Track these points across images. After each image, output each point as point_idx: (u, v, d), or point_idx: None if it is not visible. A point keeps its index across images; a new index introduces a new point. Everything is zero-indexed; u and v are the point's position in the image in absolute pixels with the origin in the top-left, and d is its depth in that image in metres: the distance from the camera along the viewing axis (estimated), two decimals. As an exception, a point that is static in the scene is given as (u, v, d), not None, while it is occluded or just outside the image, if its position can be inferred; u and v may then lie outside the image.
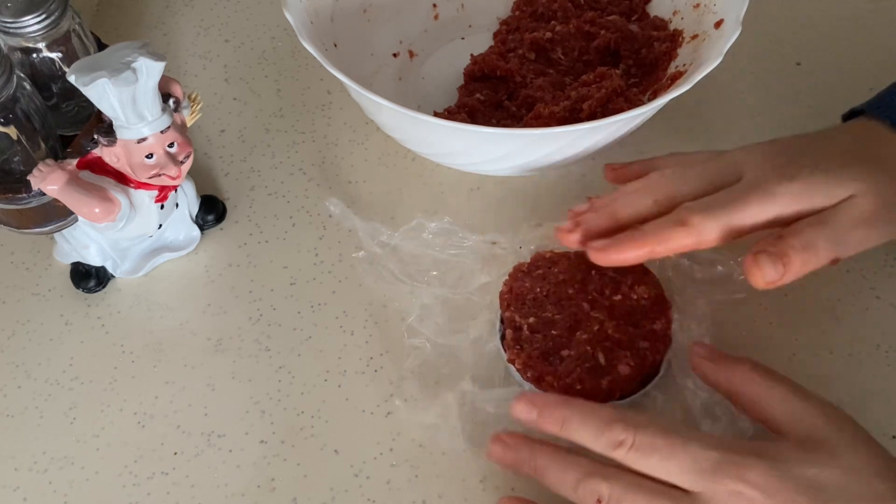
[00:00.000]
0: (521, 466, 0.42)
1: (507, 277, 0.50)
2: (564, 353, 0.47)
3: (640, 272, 0.49)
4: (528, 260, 0.51)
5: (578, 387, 0.46)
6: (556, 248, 0.51)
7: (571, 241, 0.47)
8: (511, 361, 0.48)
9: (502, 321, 0.50)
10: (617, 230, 0.46)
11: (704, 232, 0.44)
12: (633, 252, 0.45)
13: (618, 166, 0.52)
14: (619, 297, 0.49)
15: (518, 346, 0.48)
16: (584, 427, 0.41)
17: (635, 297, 0.49)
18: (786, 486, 0.38)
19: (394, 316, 0.52)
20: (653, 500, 0.39)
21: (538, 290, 0.49)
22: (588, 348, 0.47)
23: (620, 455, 0.40)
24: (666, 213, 0.45)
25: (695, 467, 0.39)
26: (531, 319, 0.48)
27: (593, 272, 0.50)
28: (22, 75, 0.48)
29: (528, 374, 0.47)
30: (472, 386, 0.47)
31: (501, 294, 0.50)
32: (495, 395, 0.47)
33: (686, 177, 0.47)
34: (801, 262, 0.43)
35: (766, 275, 0.43)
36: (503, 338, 0.49)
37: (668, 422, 0.42)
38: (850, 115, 0.50)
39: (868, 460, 0.40)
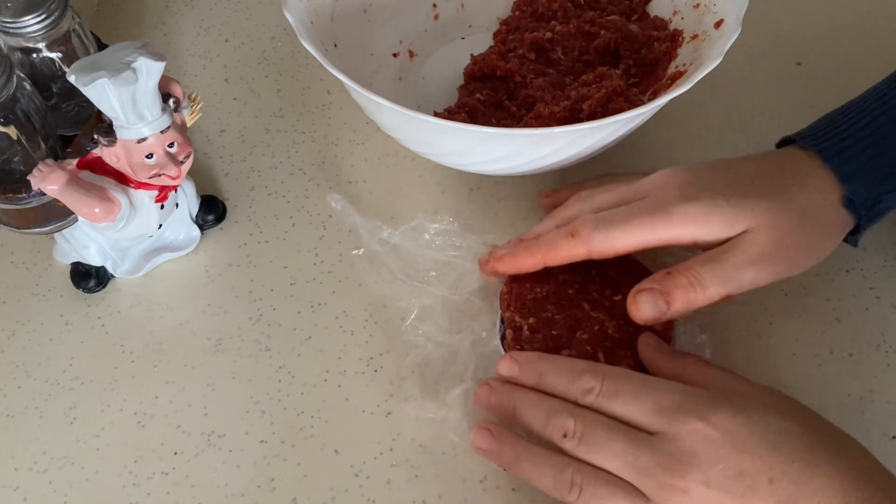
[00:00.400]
0: (502, 407, 0.45)
1: (508, 278, 0.50)
2: (565, 352, 0.47)
3: (640, 272, 0.50)
4: None
5: None
6: None
7: (484, 268, 0.51)
8: None
9: (502, 321, 0.50)
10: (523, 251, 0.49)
11: (593, 243, 0.46)
12: (526, 259, 0.48)
13: (549, 193, 0.55)
14: (619, 297, 0.49)
15: (518, 347, 0.48)
16: (559, 377, 0.44)
17: None
18: (745, 429, 0.39)
19: (394, 316, 0.52)
20: (615, 438, 0.41)
21: (538, 290, 0.49)
22: (588, 348, 0.47)
23: (590, 400, 0.42)
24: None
25: (656, 408, 0.41)
26: (531, 320, 0.48)
27: (594, 272, 0.50)
28: (22, 75, 0.48)
29: None
30: (475, 384, 0.47)
31: (501, 294, 0.50)
32: None
33: (594, 198, 0.49)
34: (686, 301, 0.44)
35: (643, 313, 0.45)
36: (503, 338, 0.49)
37: (637, 373, 0.44)
38: (782, 144, 0.50)
39: (822, 424, 0.41)
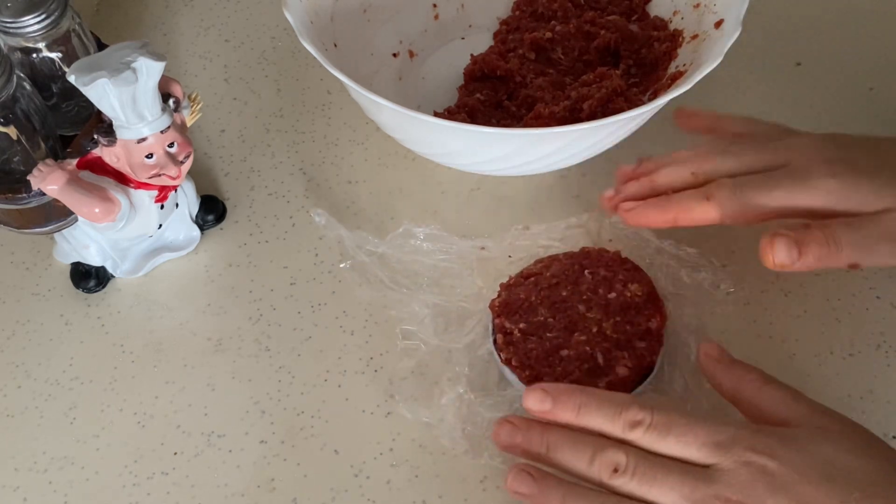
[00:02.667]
0: (531, 447, 0.41)
1: (499, 288, 0.50)
2: (563, 353, 0.47)
3: (631, 269, 0.50)
4: (516, 260, 0.52)
5: None
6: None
7: (609, 206, 0.49)
8: (507, 362, 0.48)
9: (494, 328, 0.50)
10: (653, 193, 0.47)
11: (727, 208, 0.45)
12: (657, 217, 0.46)
13: (689, 112, 0.52)
14: (613, 294, 0.49)
15: (511, 347, 0.48)
16: (601, 410, 0.41)
17: (629, 294, 0.49)
18: (801, 459, 0.38)
19: (393, 316, 0.52)
20: (669, 471, 0.39)
21: (533, 298, 0.49)
22: (587, 349, 0.47)
23: (638, 435, 0.40)
24: (702, 186, 0.46)
25: (711, 440, 0.39)
26: (522, 325, 0.48)
27: (586, 272, 0.50)
28: (22, 75, 0.48)
29: (526, 374, 0.47)
30: (468, 390, 0.47)
31: (492, 304, 0.50)
32: (491, 400, 0.47)
33: (735, 154, 0.47)
34: (818, 255, 0.43)
35: (778, 256, 0.43)
36: (496, 342, 0.49)
37: (682, 405, 0.42)
38: None
39: (880, 451, 0.40)
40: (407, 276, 0.52)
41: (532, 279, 0.50)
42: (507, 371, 0.48)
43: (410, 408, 0.48)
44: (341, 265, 0.53)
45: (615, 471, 0.39)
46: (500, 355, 0.48)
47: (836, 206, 0.44)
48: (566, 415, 0.41)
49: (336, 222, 0.54)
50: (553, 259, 0.51)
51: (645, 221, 0.47)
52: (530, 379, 0.47)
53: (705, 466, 0.39)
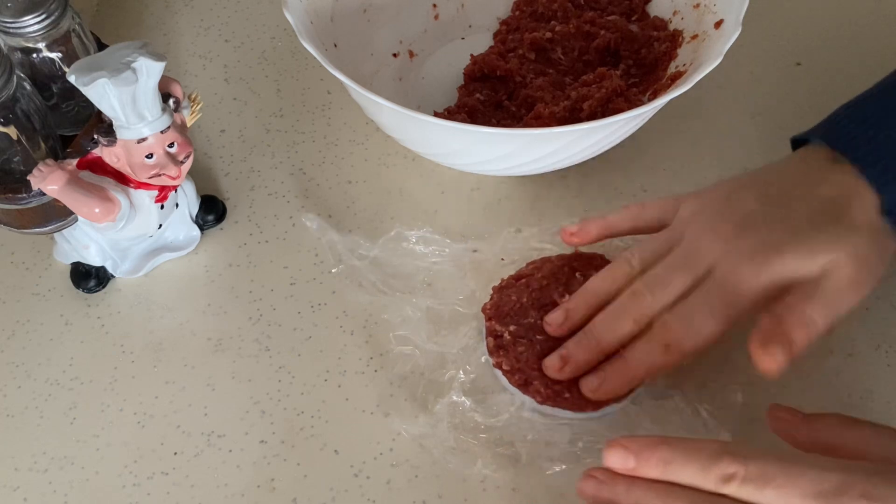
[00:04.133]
0: (618, 502, 0.40)
1: (491, 291, 0.50)
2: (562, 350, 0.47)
3: None
4: (509, 263, 0.52)
5: (567, 394, 0.46)
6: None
7: (562, 375, 0.46)
8: (497, 366, 0.48)
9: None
10: (602, 355, 0.46)
11: (686, 347, 0.44)
12: (625, 385, 0.46)
13: (574, 230, 0.50)
14: None
15: (502, 351, 0.47)
16: (689, 464, 0.38)
17: None
18: None
19: (386, 321, 0.52)
20: None
21: (524, 300, 0.49)
22: None
23: (733, 489, 0.37)
24: (644, 328, 0.45)
25: (815, 490, 0.36)
26: (512, 327, 0.48)
27: (577, 275, 0.50)
28: (22, 75, 0.48)
29: (516, 378, 0.47)
30: (462, 395, 0.47)
31: (483, 308, 0.50)
32: (485, 406, 0.47)
33: (662, 284, 0.45)
34: (805, 339, 0.43)
35: (779, 362, 0.42)
36: (488, 346, 0.49)
37: (775, 450, 0.39)
38: (797, 142, 0.50)
39: None
40: (400, 279, 0.52)
41: (523, 281, 0.50)
42: (499, 374, 0.48)
43: (405, 418, 0.48)
44: (333, 270, 0.53)
45: None
46: (493, 360, 0.48)
47: (784, 284, 0.43)
48: (652, 471, 0.39)
49: (328, 226, 0.54)
50: (545, 261, 0.51)
51: (613, 392, 0.46)
52: (521, 383, 0.47)
53: None
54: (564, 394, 0.46)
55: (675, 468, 0.38)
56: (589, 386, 0.46)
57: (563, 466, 0.45)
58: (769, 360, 0.42)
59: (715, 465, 0.37)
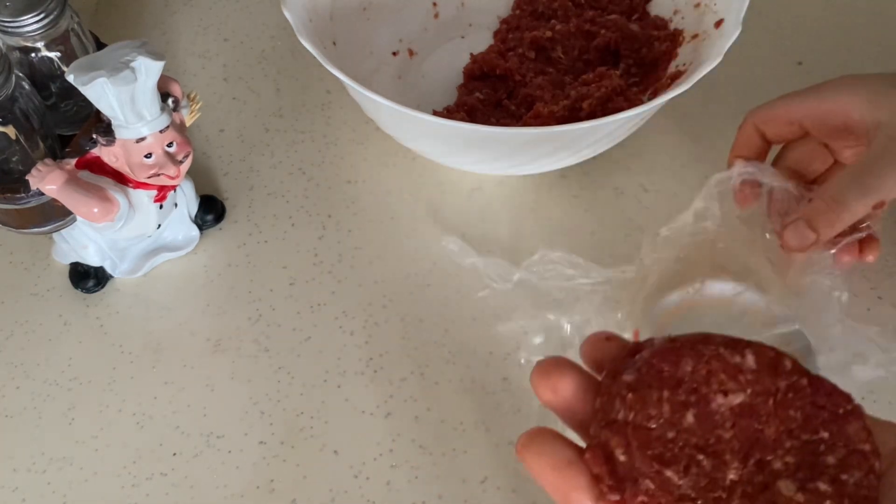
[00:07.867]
0: None
1: (606, 371, 0.30)
2: None
3: (859, 440, 0.28)
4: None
5: None
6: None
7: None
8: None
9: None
10: None
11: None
12: None
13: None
14: (825, 483, 0.27)
15: (612, 483, 0.27)
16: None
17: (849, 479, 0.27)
18: None
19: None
20: None
21: (684, 426, 0.27)
22: None
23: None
24: None
25: None
26: (649, 482, 0.27)
27: (792, 412, 0.28)
28: (20, 74, 0.48)
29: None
30: None
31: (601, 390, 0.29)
32: None
33: None
34: (829, 223, 0.43)
35: (792, 245, 0.43)
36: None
37: None
38: None
39: None
40: (546, 302, 0.50)
41: (667, 371, 0.28)
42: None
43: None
44: (479, 294, 0.51)
45: None
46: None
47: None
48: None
49: (470, 249, 0.52)
50: (746, 346, 0.29)
51: None
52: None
53: None
54: None
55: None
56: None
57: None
58: (789, 242, 0.43)
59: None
